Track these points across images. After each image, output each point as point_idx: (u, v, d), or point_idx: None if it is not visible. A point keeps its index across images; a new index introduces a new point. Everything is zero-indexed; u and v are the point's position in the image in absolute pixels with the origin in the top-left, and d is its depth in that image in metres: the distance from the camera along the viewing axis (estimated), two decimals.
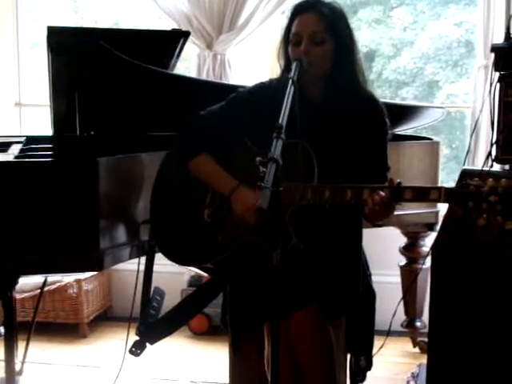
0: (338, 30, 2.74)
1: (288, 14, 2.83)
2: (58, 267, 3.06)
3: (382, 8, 5.68)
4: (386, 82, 5.70)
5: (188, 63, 5.17)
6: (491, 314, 2.96)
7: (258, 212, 2.00)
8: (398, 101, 5.32)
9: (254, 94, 2.88)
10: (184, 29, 4.72)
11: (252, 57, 5.13)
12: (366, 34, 5.67)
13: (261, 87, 2.91)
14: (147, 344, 3.20)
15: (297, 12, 2.77)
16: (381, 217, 2.53)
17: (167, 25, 4.98)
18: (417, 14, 5.59)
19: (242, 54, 5.08)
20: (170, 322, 3.20)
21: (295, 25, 2.74)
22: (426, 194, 2.46)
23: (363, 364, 3.00)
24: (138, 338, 3.20)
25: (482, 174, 2.70)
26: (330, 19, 2.72)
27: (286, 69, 2.79)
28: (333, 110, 2.79)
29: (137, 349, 3.20)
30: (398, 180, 2.47)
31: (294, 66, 2.62)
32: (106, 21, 5.85)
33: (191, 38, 4.65)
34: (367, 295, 2.95)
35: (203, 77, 4.91)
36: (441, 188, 2.45)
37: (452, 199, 2.44)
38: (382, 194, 2.47)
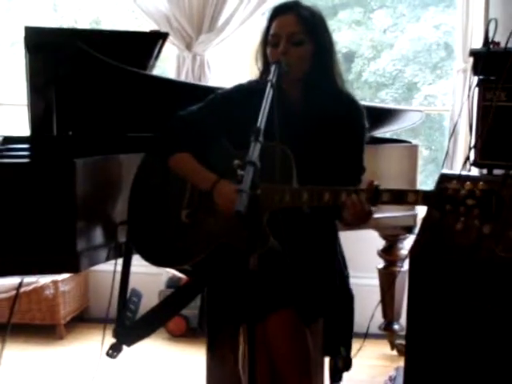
0: (316, 32, 2.75)
1: (267, 16, 2.84)
2: (33, 269, 3.02)
3: (362, 10, 5.69)
4: (365, 83, 5.71)
5: (167, 63, 5.15)
6: (468, 316, 2.97)
7: (236, 215, 1.99)
8: (377, 103, 5.33)
9: (233, 95, 2.88)
10: (163, 29, 4.72)
11: (231, 58, 5.12)
12: (346, 36, 5.68)
13: (239, 88, 2.91)
14: (124, 346, 3.19)
15: (275, 14, 2.77)
16: (359, 221, 2.53)
17: (147, 25, 4.95)
18: (397, 16, 5.60)
19: (222, 55, 5.06)
20: (147, 324, 3.19)
21: (274, 26, 2.75)
22: (404, 196, 2.45)
23: (340, 365, 3.00)
24: (114, 340, 3.18)
25: (460, 178, 2.71)
26: (309, 21, 2.73)
27: (265, 71, 2.79)
28: (311, 112, 2.79)
29: (113, 351, 3.18)
30: (376, 182, 2.47)
31: (272, 68, 2.61)
32: (86, 20, 5.82)
33: (170, 38, 4.63)
34: (345, 296, 2.95)
35: (182, 78, 4.90)
36: (418, 191, 2.46)
37: (429, 202, 2.44)
38: (360, 196, 2.47)
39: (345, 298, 2.94)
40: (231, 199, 2.48)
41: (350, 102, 2.85)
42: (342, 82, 2.85)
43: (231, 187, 2.55)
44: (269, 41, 2.76)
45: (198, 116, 2.86)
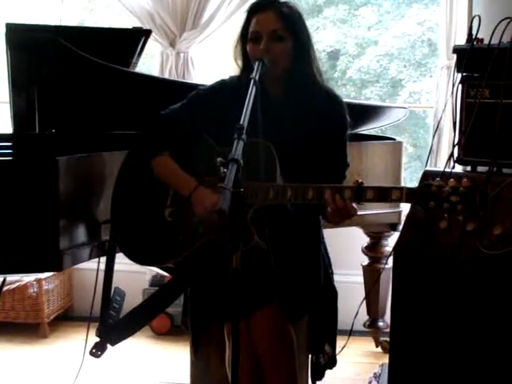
0: (296, 28, 2.75)
1: (245, 12, 2.83)
2: (16, 267, 3.00)
3: (347, 7, 5.69)
4: (350, 81, 5.71)
5: (151, 60, 5.13)
6: (452, 314, 2.97)
7: (219, 213, 1.98)
8: (361, 100, 5.33)
9: (215, 92, 2.88)
10: (147, 26, 4.71)
11: (215, 55, 5.11)
12: (330, 33, 5.68)
13: (221, 84, 2.91)
14: (108, 345, 3.17)
15: (254, 11, 2.77)
16: (343, 218, 2.53)
17: (130, 22, 4.94)
18: (381, 13, 5.60)
19: (206, 52, 5.05)
20: (131, 323, 3.17)
21: (254, 23, 2.74)
22: (388, 194, 2.46)
23: (322, 361, 2.99)
24: (98, 338, 3.16)
25: (443, 175, 2.71)
26: (289, 17, 2.74)
27: (245, 67, 2.79)
28: (293, 107, 2.79)
29: (97, 350, 3.16)
30: (360, 180, 2.47)
31: (256, 65, 2.61)
32: (69, 17, 5.78)
33: (154, 35, 4.62)
34: (329, 293, 2.95)
35: (166, 75, 4.88)
36: (402, 188, 2.46)
37: (413, 199, 2.44)
38: (344, 194, 2.47)
39: (329, 295, 2.94)
40: (206, 206, 2.53)
41: (331, 97, 2.86)
42: (322, 77, 2.86)
43: (208, 195, 2.57)
44: (249, 38, 2.75)
45: (181, 114, 2.85)
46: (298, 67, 2.77)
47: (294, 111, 2.78)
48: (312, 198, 2.52)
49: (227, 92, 2.81)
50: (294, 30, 2.74)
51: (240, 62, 2.84)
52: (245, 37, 2.78)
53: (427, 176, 3.05)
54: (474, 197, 2.32)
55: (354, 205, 2.51)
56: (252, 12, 2.77)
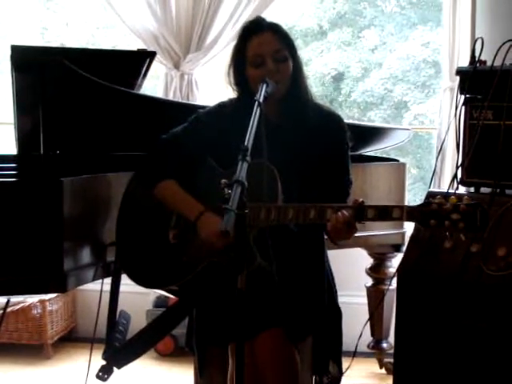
0: (292, 46, 2.76)
1: (238, 37, 2.82)
2: (19, 289, 3.00)
3: (350, 30, 5.71)
4: (354, 103, 5.72)
5: (156, 82, 5.15)
6: (456, 335, 2.97)
7: (223, 235, 1.98)
8: (364, 122, 5.34)
9: (214, 114, 2.88)
10: (151, 48, 4.73)
11: (219, 77, 5.13)
12: (335, 56, 5.70)
13: (221, 107, 2.91)
14: (114, 368, 3.16)
15: (250, 33, 2.75)
16: (343, 237, 2.52)
17: (135, 44, 4.96)
18: (385, 35, 5.63)
19: (210, 74, 5.07)
20: (137, 346, 3.15)
21: (253, 46, 2.73)
22: (389, 212, 2.45)
23: (326, 381, 2.97)
24: (104, 362, 3.15)
25: (447, 197, 2.71)
26: (286, 36, 2.75)
27: (243, 91, 2.79)
28: (290, 127, 2.79)
29: (104, 373, 3.14)
30: (361, 199, 2.47)
31: (260, 86, 2.60)
32: (73, 39, 5.82)
33: (158, 57, 4.65)
34: (333, 313, 2.93)
35: (170, 96, 4.90)
36: (403, 206, 2.45)
37: (414, 217, 2.43)
38: (345, 213, 2.46)
39: (333, 315, 2.93)
40: (213, 232, 2.45)
41: (326, 113, 2.86)
42: (311, 94, 2.87)
43: (214, 219, 2.54)
44: (250, 61, 2.73)
45: (181, 137, 2.85)
46: (296, 86, 2.78)
47: (291, 130, 2.78)
48: (314, 217, 2.52)
49: (227, 114, 2.81)
50: (291, 49, 2.75)
51: (236, 87, 2.84)
52: (241, 61, 2.77)
53: (431, 197, 3.06)
54: (475, 214, 2.31)
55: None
56: (247, 35, 2.75)
